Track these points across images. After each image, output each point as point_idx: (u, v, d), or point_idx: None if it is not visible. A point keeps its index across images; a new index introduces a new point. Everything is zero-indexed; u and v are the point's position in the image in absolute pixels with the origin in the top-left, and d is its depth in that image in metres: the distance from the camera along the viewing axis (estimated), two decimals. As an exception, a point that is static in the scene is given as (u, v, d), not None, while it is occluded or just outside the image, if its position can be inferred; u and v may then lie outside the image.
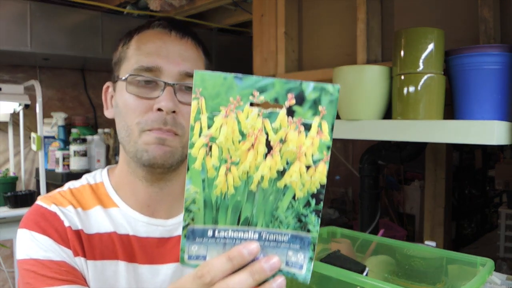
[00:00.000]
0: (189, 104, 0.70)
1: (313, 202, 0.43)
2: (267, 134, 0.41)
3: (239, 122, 0.40)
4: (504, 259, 3.11)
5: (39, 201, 0.72)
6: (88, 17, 2.44)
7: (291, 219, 0.43)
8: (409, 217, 3.47)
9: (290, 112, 0.40)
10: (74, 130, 2.58)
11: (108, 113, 0.77)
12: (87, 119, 2.80)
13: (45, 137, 2.50)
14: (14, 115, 2.55)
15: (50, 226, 0.68)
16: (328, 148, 0.42)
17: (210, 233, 0.42)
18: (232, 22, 2.82)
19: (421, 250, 0.99)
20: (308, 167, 0.42)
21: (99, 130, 2.63)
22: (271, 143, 0.41)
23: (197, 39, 0.75)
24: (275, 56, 1.57)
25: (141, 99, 0.68)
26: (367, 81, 1.01)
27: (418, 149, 1.60)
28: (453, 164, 3.53)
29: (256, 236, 0.43)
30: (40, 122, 2.27)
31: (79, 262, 0.69)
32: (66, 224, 0.69)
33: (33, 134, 2.26)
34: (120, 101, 0.71)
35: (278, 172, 0.42)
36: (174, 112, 0.68)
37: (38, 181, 2.44)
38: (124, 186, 0.76)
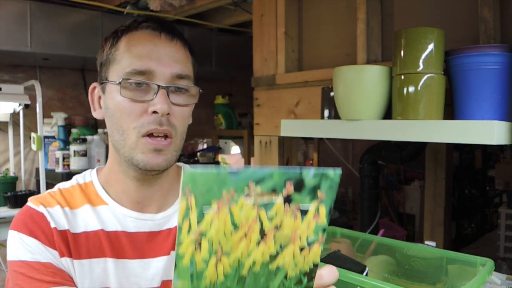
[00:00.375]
0: (181, 105, 0.72)
1: (305, 279, 0.43)
2: (261, 223, 0.40)
3: (232, 215, 0.38)
4: (504, 259, 3.10)
5: (29, 202, 0.74)
6: (88, 17, 2.44)
7: None
8: (409, 217, 3.47)
9: (288, 200, 0.39)
10: (74, 130, 2.58)
11: (97, 114, 0.77)
12: (87, 119, 2.81)
13: (45, 137, 2.50)
14: (14, 115, 2.55)
15: (38, 228, 0.69)
16: (324, 230, 0.41)
17: None
18: (232, 22, 2.82)
19: (421, 250, 0.99)
20: (302, 249, 0.41)
21: (99, 130, 2.63)
22: (265, 231, 0.40)
23: (184, 39, 0.77)
24: (275, 56, 1.57)
25: (135, 102, 0.69)
26: (367, 81, 1.01)
27: (418, 149, 1.60)
28: (453, 164, 3.53)
29: None
30: (40, 122, 2.27)
31: (65, 263, 0.70)
32: (52, 225, 0.70)
33: (33, 134, 2.26)
34: (112, 104, 0.72)
35: (271, 256, 0.41)
36: (168, 114, 0.70)
37: (38, 181, 2.44)
38: (114, 184, 0.77)
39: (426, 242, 1.13)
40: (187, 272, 0.39)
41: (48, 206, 0.72)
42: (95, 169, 0.81)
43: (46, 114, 2.59)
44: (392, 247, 1.04)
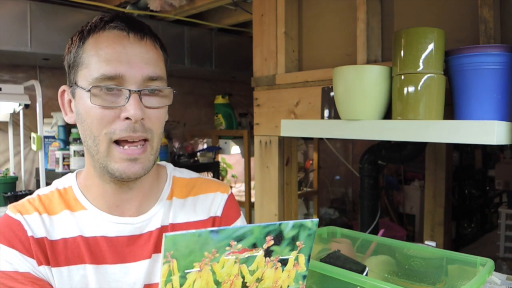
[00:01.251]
0: (155, 108, 0.70)
1: None
2: (243, 277, 0.41)
3: (214, 273, 0.39)
4: (504, 259, 3.11)
5: (8, 210, 0.72)
6: (88, 17, 2.44)
7: None
8: (409, 217, 3.47)
9: (268, 253, 0.41)
10: (74, 130, 2.58)
11: (68, 119, 0.75)
12: (87, 119, 2.80)
13: (45, 137, 2.50)
14: (14, 115, 2.55)
15: (15, 237, 0.68)
16: (304, 277, 0.43)
17: None
18: (232, 22, 2.82)
19: (421, 250, 0.99)
20: None
21: (99, 130, 2.63)
22: (247, 284, 0.41)
23: (154, 36, 0.73)
24: (275, 56, 1.57)
25: (106, 109, 0.67)
26: (367, 81, 1.01)
27: (418, 149, 1.60)
28: (453, 164, 3.53)
29: None
30: (40, 122, 2.27)
31: (44, 271, 0.69)
32: (29, 233, 0.69)
33: (33, 134, 2.26)
34: (83, 110, 0.69)
35: None
36: (142, 119, 0.67)
37: (38, 181, 2.44)
38: (92, 188, 0.75)
39: (426, 242, 1.13)
40: None
41: (25, 214, 0.71)
42: (74, 173, 0.80)
43: (46, 114, 2.59)
44: (392, 247, 1.04)
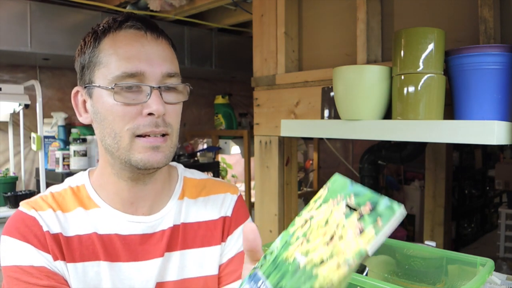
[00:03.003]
0: (174, 103, 0.72)
1: None
2: (337, 228, 0.45)
3: (331, 213, 0.45)
4: (504, 259, 3.11)
5: (21, 207, 0.73)
6: (88, 17, 2.44)
7: None
8: (409, 217, 3.47)
9: (360, 217, 0.44)
10: (74, 130, 2.58)
11: (84, 119, 0.75)
12: (87, 119, 2.80)
13: (45, 137, 2.50)
14: (14, 115, 2.55)
15: (30, 232, 0.69)
16: (359, 257, 0.43)
17: (259, 283, 0.45)
18: (232, 22, 2.82)
19: (421, 250, 0.99)
20: (338, 266, 0.44)
21: (99, 130, 2.63)
22: (333, 236, 0.44)
23: (167, 36, 0.76)
24: (275, 56, 1.57)
25: (128, 106, 0.68)
26: (367, 81, 1.01)
27: (418, 149, 1.60)
28: (453, 164, 3.53)
29: None
30: (40, 122, 2.27)
31: (59, 266, 0.69)
32: (45, 228, 0.69)
33: (33, 134, 2.26)
34: (103, 109, 0.69)
35: (321, 261, 0.44)
36: (163, 114, 0.69)
37: (38, 181, 2.44)
38: (106, 186, 0.76)
39: (426, 242, 1.13)
40: (285, 238, 0.46)
41: (40, 210, 0.71)
42: (86, 172, 0.80)
43: (46, 114, 2.59)
44: (392, 247, 1.04)
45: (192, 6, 2.35)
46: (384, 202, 0.43)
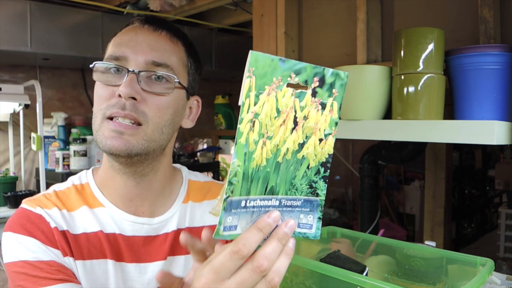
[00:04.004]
0: (155, 94, 0.69)
1: (322, 170, 0.49)
2: (295, 111, 0.46)
3: (277, 100, 0.44)
4: (504, 259, 3.11)
5: (24, 204, 0.72)
6: (88, 17, 2.44)
7: (305, 186, 0.49)
8: (409, 217, 3.47)
9: (314, 93, 0.46)
10: (74, 130, 2.58)
11: None
12: (87, 119, 2.81)
13: (45, 137, 2.50)
14: (14, 115, 2.55)
15: (36, 228, 0.67)
16: (336, 124, 0.48)
17: (243, 203, 0.45)
18: (232, 22, 2.82)
19: (421, 250, 0.99)
20: (320, 140, 0.47)
21: (99, 130, 2.63)
22: (297, 120, 0.46)
23: (174, 32, 0.75)
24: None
25: (106, 86, 0.69)
26: (367, 81, 1.01)
27: (418, 149, 1.60)
28: (453, 164, 3.53)
29: (277, 203, 0.47)
30: (40, 122, 2.27)
31: (69, 262, 0.68)
32: (52, 225, 0.69)
33: (33, 134, 2.26)
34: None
35: (299, 144, 0.47)
36: (135, 99, 0.67)
37: (38, 181, 2.44)
38: (107, 183, 0.76)
39: (426, 242, 1.13)
40: (242, 151, 0.44)
41: (45, 208, 0.71)
42: (90, 170, 0.80)
43: (46, 114, 2.59)
44: (392, 247, 1.04)
45: (192, 6, 2.35)
46: (329, 72, 0.46)
